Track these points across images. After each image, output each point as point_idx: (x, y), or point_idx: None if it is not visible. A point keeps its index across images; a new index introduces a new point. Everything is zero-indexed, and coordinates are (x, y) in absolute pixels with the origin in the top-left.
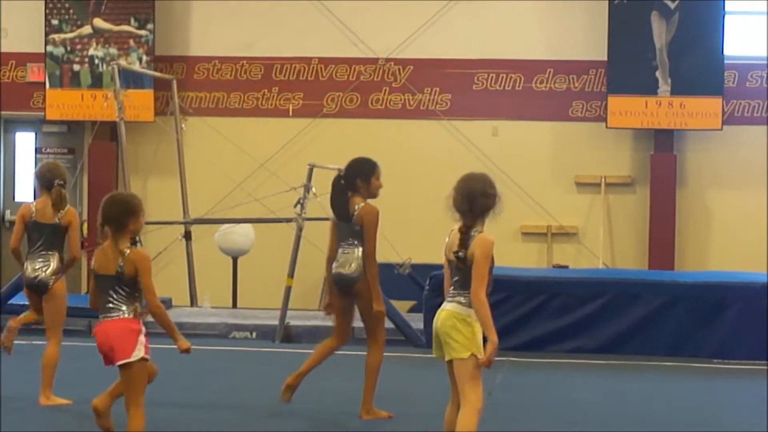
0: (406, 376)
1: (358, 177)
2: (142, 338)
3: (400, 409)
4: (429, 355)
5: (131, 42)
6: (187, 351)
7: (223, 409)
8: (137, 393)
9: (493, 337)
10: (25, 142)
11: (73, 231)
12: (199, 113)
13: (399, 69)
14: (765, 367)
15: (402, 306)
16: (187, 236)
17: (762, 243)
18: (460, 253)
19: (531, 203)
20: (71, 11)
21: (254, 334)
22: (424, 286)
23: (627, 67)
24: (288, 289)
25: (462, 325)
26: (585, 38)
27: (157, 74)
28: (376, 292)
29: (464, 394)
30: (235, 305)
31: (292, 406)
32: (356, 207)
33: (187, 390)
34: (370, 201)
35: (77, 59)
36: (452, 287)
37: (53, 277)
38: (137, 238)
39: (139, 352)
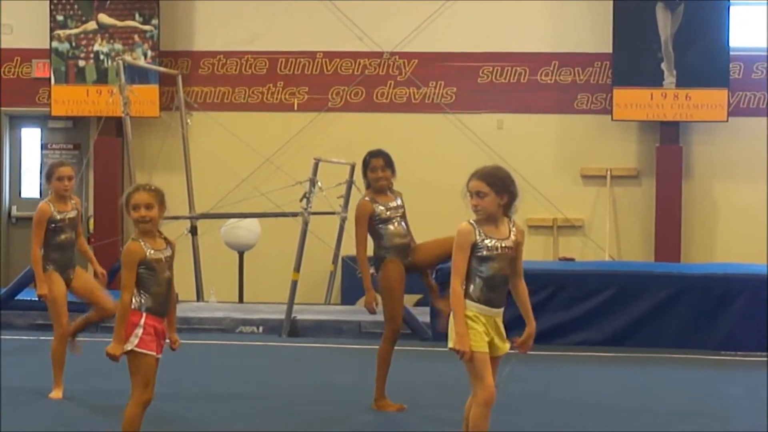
0: (412, 369)
1: (362, 172)
2: (138, 331)
3: (406, 402)
4: (435, 348)
5: (136, 37)
6: (110, 357)
7: (231, 403)
8: (132, 384)
9: (457, 328)
10: (30, 137)
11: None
12: (204, 108)
13: (404, 63)
14: None
15: (409, 299)
16: (193, 231)
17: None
18: None
19: (537, 196)
20: (76, 7)
21: (261, 329)
22: None
23: (632, 59)
24: (294, 284)
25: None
26: (590, 31)
27: (162, 69)
28: (365, 284)
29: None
30: (241, 300)
31: (302, 399)
32: None
33: (195, 384)
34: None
35: (82, 55)
36: None
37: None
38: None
39: (128, 345)
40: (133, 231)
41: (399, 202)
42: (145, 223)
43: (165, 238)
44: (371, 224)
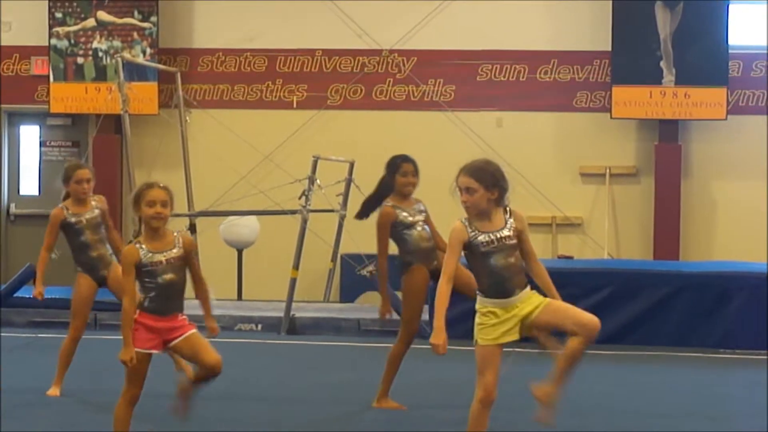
0: (412, 368)
1: (387, 175)
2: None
3: (407, 401)
4: None
5: (135, 34)
6: (123, 363)
7: (229, 401)
8: (125, 379)
9: (434, 322)
10: (29, 135)
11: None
12: (203, 106)
13: (403, 60)
14: None
15: None
16: (192, 229)
17: (766, 233)
18: None
19: (535, 194)
20: (75, 4)
21: (259, 326)
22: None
23: (631, 57)
24: (293, 281)
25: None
26: (589, 28)
27: (161, 67)
28: (381, 293)
29: None
30: (240, 297)
31: (301, 397)
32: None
33: None
34: (393, 199)
35: (81, 52)
36: None
37: None
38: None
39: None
40: (135, 229)
41: (421, 207)
42: (159, 219)
43: (177, 236)
44: (395, 230)
